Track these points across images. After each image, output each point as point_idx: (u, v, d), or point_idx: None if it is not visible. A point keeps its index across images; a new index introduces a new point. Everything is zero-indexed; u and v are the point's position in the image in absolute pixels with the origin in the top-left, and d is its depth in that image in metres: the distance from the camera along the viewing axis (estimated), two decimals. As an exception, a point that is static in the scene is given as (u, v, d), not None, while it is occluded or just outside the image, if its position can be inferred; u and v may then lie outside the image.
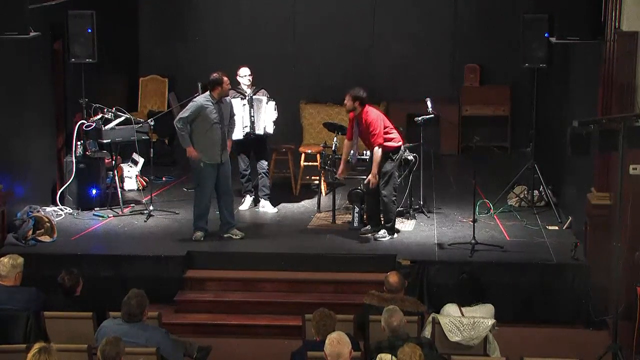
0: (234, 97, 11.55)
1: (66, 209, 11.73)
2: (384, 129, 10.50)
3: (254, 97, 11.66)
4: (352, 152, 10.78)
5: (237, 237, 10.81)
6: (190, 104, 10.61)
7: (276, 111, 11.74)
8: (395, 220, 10.84)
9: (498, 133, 15.25)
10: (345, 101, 10.55)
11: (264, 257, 10.40)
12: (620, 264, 8.39)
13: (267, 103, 11.66)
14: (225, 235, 10.83)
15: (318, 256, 10.39)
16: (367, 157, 10.93)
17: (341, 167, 10.99)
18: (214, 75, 10.55)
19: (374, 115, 10.50)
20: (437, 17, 15.45)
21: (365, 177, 10.89)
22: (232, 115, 10.90)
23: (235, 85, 11.71)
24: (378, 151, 10.42)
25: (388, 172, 10.57)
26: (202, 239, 10.72)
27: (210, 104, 10.50)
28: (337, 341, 6.48)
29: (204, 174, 10.61)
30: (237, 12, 15.65)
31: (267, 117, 11.68)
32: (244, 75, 11.73)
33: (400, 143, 10.67)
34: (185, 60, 15.63)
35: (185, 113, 10.54)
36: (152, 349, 7.15)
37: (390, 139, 10.59)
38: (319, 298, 9.69)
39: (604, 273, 9.26)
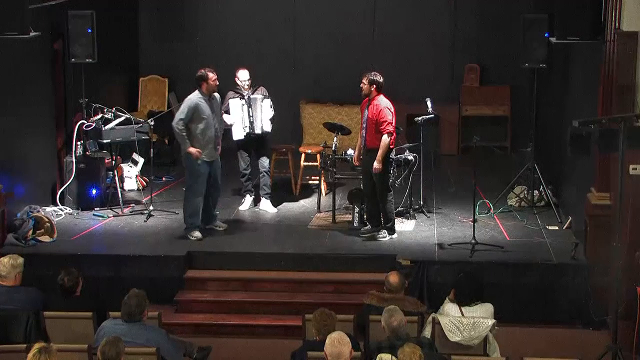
0: (233, 97, 11.57)
1: (66, 209, 11.72)
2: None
3: (251, 96, 11.66)
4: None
5: (221, 228, 10.93)
6: (185, 103, 10.65)
7: (272, 109, 11.74)
8: (394, 220, 10.84)
9: (498, 133, 15.24)
10: (362, 84, 10.48)
11: (264, 257, 10.40)
12: (620, 264, 8.39)
13: (262, 101, 11.66)
14: (207, 227, 10.93)
15: (318, 256, 10.39)
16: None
17: (356, 154, 10.97)
18: (200, 71, 10.65)
19: (387, 103, 10.44)
20: (437, 17, 15.45)
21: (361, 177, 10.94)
22: (220, 112, 11.04)
23: (234, 85, 11.73)
24: (386, 139, 10.36)
25: (381, 174, 10.54)
26: (201, 237, 10.75)
27: (203, 100, 10.57)
28: (338, 341, 6.49)
29: (201, 172, 10.65)
30: (237, 12, 15.65)
31: (263, 115, 11.68)
32: (244, 79, 11.70)
33: (393, 145, 10.63)
34: (185, 60, 15.60)
35: (182, 114, 10.55)
36: (152, 349, 7.15)
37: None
38: (319, 298, 9.70)
39: (604, 273, 9.26)
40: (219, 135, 10.83)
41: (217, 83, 10.73)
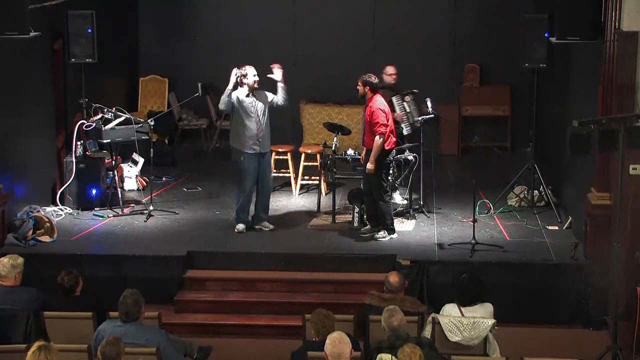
0: (395, 95, 11.78)
1: (66, 209, 11.72)
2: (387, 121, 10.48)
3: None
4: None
5: (267, 229, 11.01)
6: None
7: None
8: (393, 220, 10.84)
9: (498, 133, 15.26)
10: (357, 86, 10.57)
11: (264, 257, 10.40)
12: (620, 264, 8.39)
13: None
14: (256, 227, 11.03)
15: (318, 256, 10.39)
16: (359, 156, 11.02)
17: (363, 154, 10.98)
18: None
19: (380, 105, 10.44)
20: (437, 17, 15.45)
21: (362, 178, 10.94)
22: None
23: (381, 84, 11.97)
24: (379, 140, 10.36)
25: (377, 174, 10.54)
26: (243, 231, 10.90)
27: (244, 96, 10.70)
28: (338, 341, 6.49)
29: (244, 167, 10.78)
30: (237, 12, 15.65)
31: None
32: (391, 73, 12.02)
33: (391, 146, 10.63)
34: (185, 60, 15.64)
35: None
36: (152, 349, 7.15)
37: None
38: (319, 298, 9.70)
39: (604, 273, 9.26)
40: (263, 130, 10.82)
41: (255, 79, 10.73)
